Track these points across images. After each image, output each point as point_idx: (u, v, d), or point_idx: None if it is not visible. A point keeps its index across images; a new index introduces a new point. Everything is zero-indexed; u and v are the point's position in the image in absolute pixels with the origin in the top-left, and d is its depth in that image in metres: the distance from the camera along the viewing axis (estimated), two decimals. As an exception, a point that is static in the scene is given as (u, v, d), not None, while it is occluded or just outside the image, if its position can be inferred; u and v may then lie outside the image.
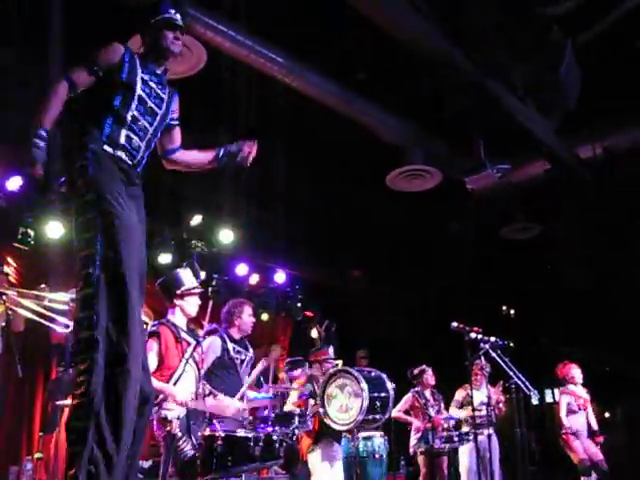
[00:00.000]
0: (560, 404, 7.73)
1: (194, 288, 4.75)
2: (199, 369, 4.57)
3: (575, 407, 7.67)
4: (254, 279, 9.61)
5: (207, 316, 5.34)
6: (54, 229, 7.01)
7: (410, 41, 5.68)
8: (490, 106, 6.24)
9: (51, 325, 4.30)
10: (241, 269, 9.31)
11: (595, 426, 7.68)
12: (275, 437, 4.09)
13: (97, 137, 3.00)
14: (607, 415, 13.35)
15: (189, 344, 4.57)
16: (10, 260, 7.05)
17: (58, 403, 5.80)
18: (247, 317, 5.25)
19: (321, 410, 5.07)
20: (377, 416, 5.01)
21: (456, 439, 7.02)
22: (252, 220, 8.81)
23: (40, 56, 5.27)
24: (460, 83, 6.02)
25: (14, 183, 6.64)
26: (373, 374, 5.25)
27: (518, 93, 6.35)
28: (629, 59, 6.32)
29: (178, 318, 4.65)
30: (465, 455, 7.35)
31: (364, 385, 4.88)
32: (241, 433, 3.95)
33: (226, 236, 8.73)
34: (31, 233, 6.96)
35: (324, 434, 5.60)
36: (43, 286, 4.99)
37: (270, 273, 9.95)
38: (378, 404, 4.97)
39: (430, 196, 8.01)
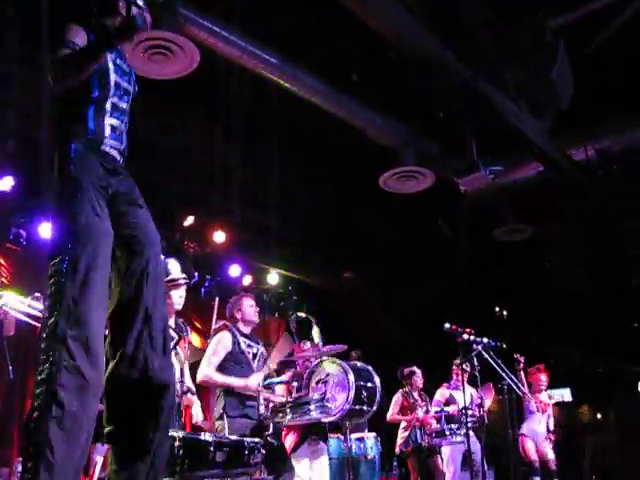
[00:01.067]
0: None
1: (179, 279, 4.60)
2: (182, 365, 4.48)
3: (533, 408, 7.87)
4: (247, 280, 9.61)
5: (214, 315, 5.31)
6: (46, 229, 6.98)
7: (402, 41, 5.69)
8: (482, 107, 6.25)
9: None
10: (234, 270, 9.30)
11: (551, 427, 7.92)
12: (245, 443, 3.90)
13: (81, 134, 2.91)
14: (599, 416, 13.39)
15: (172, 339, 4.42)
16: (1, 260, 7.03)
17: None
18: (248, 307, 5.20)
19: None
20: (364, 407, 4.89)
21: (448, 433, 7.00)
22: (245, 221, 8.80)
23: (32, 56, 5.26)
24: (452, 84, 6.02)
25: (6, 183, 6.62)
26: (359, 364, 5.19)
27: (510, 94, 6.36)
28: (623, 60, 6.34)
29: None
30: (449, 456, 7.36)
31: (350, 375, 4.79)
32: (203, 437, 3.76)
33: (219, 237, 8.72)
34: (23, 233, 6.93)
35: (309, 433, 5.55)
36: (38, 295, 4.96)
37: (263, 274, 9.94)
38: (365, 394, 4.86)
39: (423, 197, 8.01)
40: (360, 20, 5.42)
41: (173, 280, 4.55)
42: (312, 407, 4.53)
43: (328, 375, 4.93)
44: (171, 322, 4.56)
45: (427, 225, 9.33)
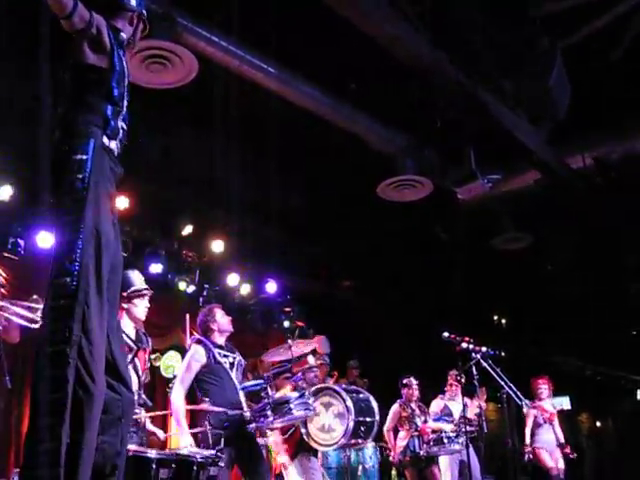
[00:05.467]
0: (528, 418, 8.01)
1: (143, 290, 4.55)
2: (139, 376, 4.41)
3: (541, 420, 7.99)
4: (245, 289, 9.59)
5: (187, 330, 5.23)
6: (45, 239, 6.97)
7: (400, 51, 5.70)
8: (480, 115, 6.26)
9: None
10: (232, 279, 9.28)
11: (562, 439, 8.01)
12: (194, 459, 3.75)
13: (101, 128, 2.80)
14: (598, 424, 13.37)
15: (131, 350, 4.35)
16: (-1, 270, 7.01)
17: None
18: (221, 317, 5.13)
19: (302, 430, 4.97)
20: (359, 440, 4.90)
21: (445, 440, 6.97)
22: (244, 230, 8.79)
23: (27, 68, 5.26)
24: (450, 93, 6.04)
25: (4, 192, 6.61)
26: (362, 395, 5.15)
27: (508, 103, 6.38)
28: (619, 69, 6.36)
29: (124, 322, 4.40)
30: (445, 466, 7.33)
31: (351, 407, 4.76)
32: (145, 454, 3.61)
33: (217, 246, 8.71)
34: (21, 243, 6.91)
35: (300, 449, 5.52)
36: (35, 297, 4.94)
37: (261, 283, 9.92)
38: (362, 429, 4.86)
39: (421, 206, 8.02)
40: (359, 29, 5.43)
41: (137, 291, 4.51)
42: (292, 405, 4.51)
43: (330, 404, 4.92)
44: (132, 333, 4.49)
45: (425, 234, 9.34)
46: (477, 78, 6.02)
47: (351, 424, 4.72)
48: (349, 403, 4.81)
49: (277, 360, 6.07)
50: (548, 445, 7.91)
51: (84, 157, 2.71)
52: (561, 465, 7.85)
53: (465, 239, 9.16)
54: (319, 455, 5.68)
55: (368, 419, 4.95)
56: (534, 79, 6.09)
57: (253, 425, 4.47)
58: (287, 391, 5.68)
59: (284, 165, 7.55)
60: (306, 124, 6.84)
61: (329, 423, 4.84)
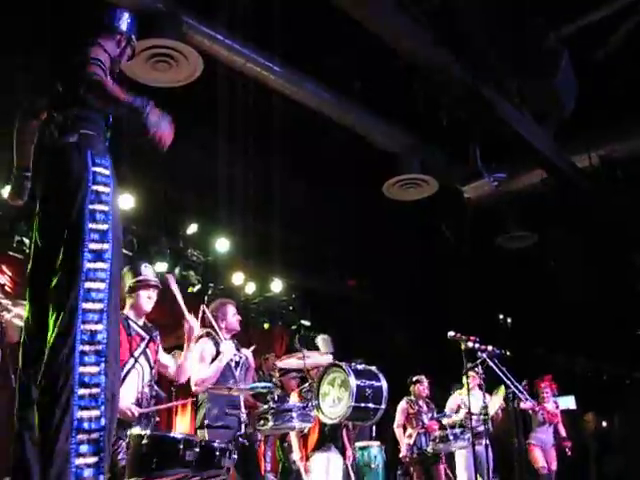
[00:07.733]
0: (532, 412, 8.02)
1: (148, 281, 4.51)
2: (151, 367, 4.40)
3: (541, 418, 8.04)
4: (250, 288, 9.58)
5: (198, 322, 5.30)
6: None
7: (406, 49, 5.69)
8: (486, 114, 6.24)
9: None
10: (237, 278, 9.27)
11: (563, 434, 8.10)
12: (216, 445, 3.84)
13: (105, 149, 2.99)
14: (604, 424, 13.33)
15: (142, 339, 4.37)
16: (5, 269, 7.01)
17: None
18: (232, 316, 5.20)
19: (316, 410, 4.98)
20: (370, 405, 4.83)
21: (451, 437, 6.92)
22: (248, 229, 8.79)
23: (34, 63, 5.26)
24: (456, 91, 6.01)
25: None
26: (361, 367, 5.15)
27: (514, 101, 6.35)
28: (627, 66, 6.33)
29: (131, 312, 4.43)
30: (461, 463, 7.31)
31: (351, 373, 4.77)
32: (171, 435, 3.81)
33: (222, 245, 8.71)
34: (27, 242, 6.92)
35: (322, 442, 5.53)
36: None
37: (266, 282, 9.91)
38: (369, 391, 4.82)
39: (427, 205, 8.00)
40: (364, 27, 5.42)
41: (141, 281, 4.48)
42: (294, 415, 4.57)
43: (334, 379, 4.92)
44: (140, 321, 4.49)
45: (431, 232, 9.32)
46: (482, 75, 5.99)
47: (354, 387, 4.67)
48: (348, 371, 4.79)
49: (289, 369, 6.06)
50: (544, 444, 7.95)
51: (106, 184, 2.85)
52: (554, 467, 7.90)
53: (470, 237, 9.13)
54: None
55: (373, 382, 4.90)
56: (540, 77, 6.05)
57: (251, 430, 4.50)
58: (295, 396, 5.69)
59: (289, 163, 7.55)
60: (311, 122, 6.82)
61: (337, 396, 4.83)
